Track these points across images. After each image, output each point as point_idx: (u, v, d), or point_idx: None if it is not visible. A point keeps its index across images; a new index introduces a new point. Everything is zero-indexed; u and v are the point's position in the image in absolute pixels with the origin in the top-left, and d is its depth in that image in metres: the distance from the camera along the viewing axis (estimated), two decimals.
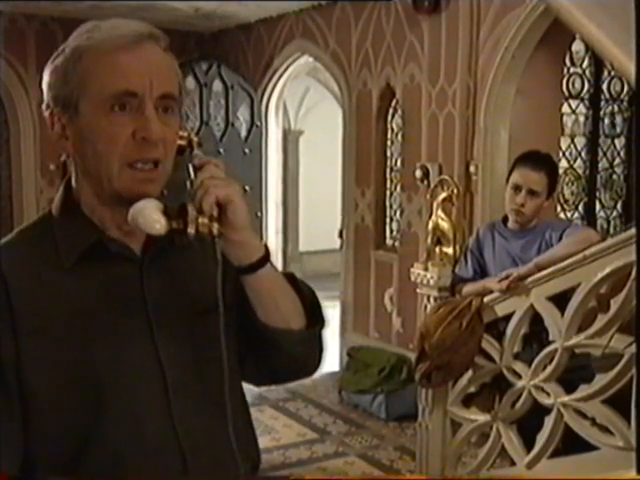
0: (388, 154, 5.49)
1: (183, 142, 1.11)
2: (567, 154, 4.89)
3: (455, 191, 3.47)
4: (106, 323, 1.08)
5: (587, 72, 4.89)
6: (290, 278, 1.22)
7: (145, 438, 1.09)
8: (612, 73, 4.91)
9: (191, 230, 1.04)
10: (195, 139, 1.12)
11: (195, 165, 1.09)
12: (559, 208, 4.79)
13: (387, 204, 5.54)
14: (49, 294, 1.07)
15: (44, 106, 1.10)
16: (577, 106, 4.88)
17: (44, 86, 1.10)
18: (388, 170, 5.50)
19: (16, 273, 1.07)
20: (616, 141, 5.10)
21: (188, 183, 1.08)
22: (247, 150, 6.50)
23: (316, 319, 1.23)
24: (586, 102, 4.92)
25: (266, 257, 1.13)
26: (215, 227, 1.05)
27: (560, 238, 2.91)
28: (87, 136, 1.06)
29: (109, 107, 1.05)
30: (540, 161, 3.03)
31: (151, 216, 1.03)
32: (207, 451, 1.13)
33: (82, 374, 1.06)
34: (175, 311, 1.14)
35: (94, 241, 1.09)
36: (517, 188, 2.98)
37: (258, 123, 6.54)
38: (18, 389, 1.04)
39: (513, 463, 2.91)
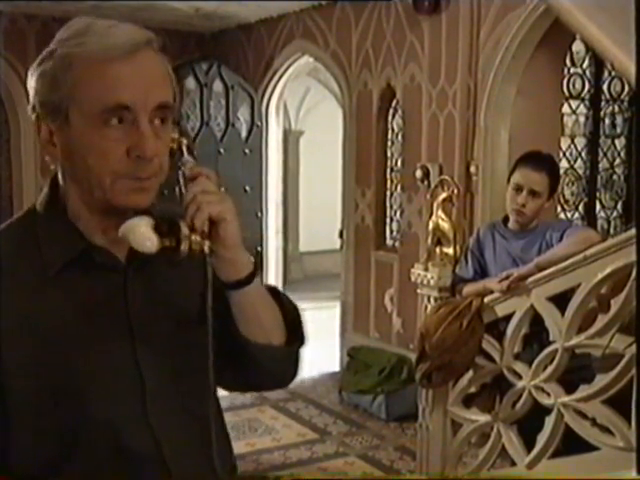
0: (388, 154, 5.49)
1: (173, 145, 1.09)
2: (567, 154, 4.88)
3: (455, 191, 3.47)
4: (87, 332, 1.07)
5: (587, 72, 4.89)
6: (274, 293, 1.22)
7: (124, 446, 1.09)
8: (612, 73, 4.91)
9: (184, 248, 1.03)
10: (184, 142, 1.10)
11: (186, 175, 1.07)
12: (559, 208, 4.79)
13: (387, 204, 5.54)
14: (31, 299, 1.05)
15: (29, 109, 1.06)
16: (577, 106, 4.88)
17: (30, 89, 1.06)
18: (388, 170, 5.51)
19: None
20: (616, 141, 5.10)
21: (177, 191, 1.07)
22: (247, 150, 6.50)
23: (296, 336, 1.23)
24: (586, 102, 4.92)
25: (254, 273, 1.13)
26: (207, 245, 1.04)
27: (560, 238, 2.91)
28: (78, 148, 1.03)
29: (102, 120, 1.01)
30: (542, 161, 3.03)
31: (142, 234, 1.01)
32: (188, 458, 1.13)
33: (62, 382, 1.05)
34: (158, 321, 1.13)
35: (80, 251, 1.08)
36: (518, 188, 2.98)
37: (258, 123, 6.54)
38: None
39: (513, 463, 2.91)
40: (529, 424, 2.84)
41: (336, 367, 5.73)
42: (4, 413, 1.04)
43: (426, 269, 3.30)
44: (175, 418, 1.14)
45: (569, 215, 4.90)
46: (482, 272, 3.12)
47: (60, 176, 1.10)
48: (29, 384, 1.04)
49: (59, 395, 1.05)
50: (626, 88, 4.95)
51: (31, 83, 1.05)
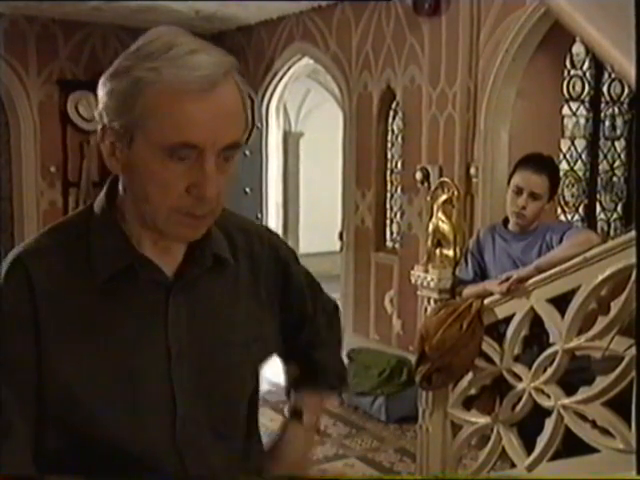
0: (388, 156, 5.49)
1: None
2: (567, 156, 4.89)
3: (455, 193, 3.47)
4: (126, 343, 1.06)
5: (587, 74, 4.89)
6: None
7: (148, 469, 1.07)
8: (612, 75, 4.92)
9: None
10: None
11: None
12: (559, 210, 4.79)
13: (387, 206, 5.54)
14: (75, 306, 1.05)
15: (97, 116, 1.03)
16: (577, 108, 4.88)
17: (100, 100, 1.02)
18: (388, 172, 5.50)
19: (44, 280, 1.04)
20: (616, 143, 5.10)
21: None
22: (248, 152, 6.50)
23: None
24: (586, 104, 4.92)
25: None
26: None
27: (560, 240, 2.91)
28: (138, 173, 1.00)
29: (167, 153, 0.97)
30: (542, 164, 3.03)
31: None
32: None
33: (90, 395, 1.04)
34: (195, 343, 1.10)
35: (127, 263, 1.05)
36: (519, 191, 2.98)
37: (259, 125, 6.54)
38: (36, 394, 1.03)
39: (513, 465, 2.91)
40: (529, 426, 2.84)
41: None
42: (40, 419, 1.04)
43: (426, 271, 3.30)
44: (204, 443, 1.11)
45: (569, 217, 4.90)
46: (482, 274, 3.12)
47: (120, 185, 1.08)
48: (61, 386, 1.03)
49: (86, 403, 1.04)
50: (626, 90, 4.95)
51: (101, 94, 1.02)
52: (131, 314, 1.06)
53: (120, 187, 1.08)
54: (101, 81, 1.02)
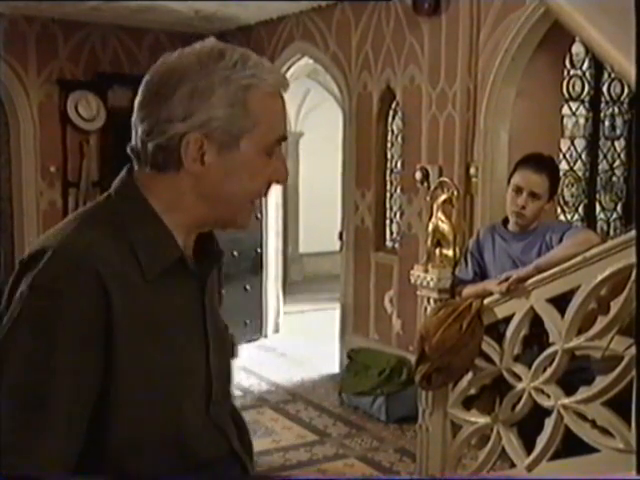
0: (388, 156, 5.49)
1: None
2: (567, 156, 4.88)
3: (455, 193, 3.47)
4: (178, 334, 1.11)
5: (587, 74, 4.89)
6: None
7: (206, 448, 1.16)
8: (612, 75, 4.91)
9: None
10: None
11: None
12: (559, 210, 4.79)
13: (387, 206, 5.54)
14: (135, 302, 1.05)
15: (177, 129, 1.07)
16: (577, 108, 4.88)
17: (184, 110, 1.06)
18: (388, 172, 5.51)
19: (110, 276, 1.03)
20: (616, 143, 5.10)
21: None
22: None
23: None
24: (586, 104, 4.92)
25: None
26: None
27: (560, 240, 2.91)
28: (239, 172, 1.10)
29: (268, 150, 1.11)
30: (542, 164, 3.03)
31: None
32: (242, 450, 1.25)
33: (161, 385, 1.08)
34: (216, 326, 1.21)
35: (176, 258, 1.11)
36: (518, 190, 2.98)
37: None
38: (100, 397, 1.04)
39: (513, 465, 2.91)
40: (529, 426, 2.84)
41: (336, 369, 5.73)
42: (102, 418, 1.05)
43: (426, 271, 3.30)
44: (226, 416, 1.23)
45: (569, 217, 4.90)
46: (482, 274, 3.12)
47: (170, 187, 1.11)
48: (134, 381, 1.05)
49: (156, 399, 1.08)
50: (626, 90, 4.95)
51: (194, 104, 1.06)
52: (179, 304, 1.13)
53: (166, 193, 1.11)
54: (185, 94, 1.06)
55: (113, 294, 1.02)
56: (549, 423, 2.73)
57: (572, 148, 4.91)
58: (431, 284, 3.26)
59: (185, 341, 1.12)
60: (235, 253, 6.48)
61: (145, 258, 1.08)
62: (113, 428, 1.06)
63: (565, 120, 4.83)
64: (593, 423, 2.64)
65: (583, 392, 2.62)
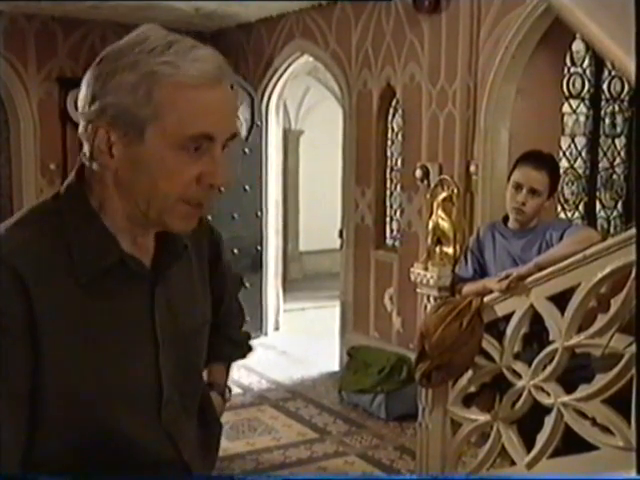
0: (388, 154, 5.49)
1: None
2: (567, 154, 4.88)
3: (455, 191, 3.47)
4: (117, 339, 1.07)
5: (587, 72, 4.89)
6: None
7: (145, 455, 1.11)
8: (612, 73, 4.91)
9: None
10: None
11: None
12: (559, 208, 4.79)
13: (387, 204, 5.53)
14: (65, 302, 1.03)
15: (85, 116, 1.02)
16: (577, 106, 4.88)
17: (94, 96, 1.01)
18: (388, 170, 5.50)
19: (34, 278, 1.00)
20: (616, 141, 5.10)
21: None
22: (247, 150, 6.50)
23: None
24: (587, 102, 4.92)
25: None
26: None
27: (560, 238, 2.91)
28: (147, 166, 1.01)
29: (181, 145, 1.00)
30: (542, 160, 3.03)
31: None
32: (199, 457, 1.20)
33: (92, 388, 1.05)
34: (173, 329, 1.14)
35: (115, 259, 1.06)
36: (518, 187, 2.98)
37: (258, 123, 6.54)
38: (31, 393, 1.02)
39: (513, 463, 2.91)
40: (529, 424, 2.84)
41: (336, 366, 5.73)
42: (33, 416, 1.03)
43: (426, 268, 3.30)
44: (181, 421, 1.17)
45: (569, 214, 4.90)
46: (482, 271, 3.12)
47: (98, 185, 1.07)
48: (62, 385, 1.03)
49: (87, 401, 1.05)
50: (626, 87, 4.95)
51: (96, 91, 1.01)
52: (119, 307, 1.08)
53: (98, 188, 1.07)
54: (92, 79, 1.02)
55: (34, 295, 0.99)
56: (549, 421, 2.72)
57: (572, 146, 4.91)
58: (431, 282, 3.26)
59: (123, 345, 1.07)
60: (235, 251, 6.48)
61: (80, 260, 1.04)
62: (45, 425, 1.04)
63: (565, 118, 4.82)
64: (593, 421, 2.64)
65: (583, 390, 2.62)
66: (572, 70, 4.79)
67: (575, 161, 4.94)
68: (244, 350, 1.58)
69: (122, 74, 0.99)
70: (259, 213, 6.67)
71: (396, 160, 5.40)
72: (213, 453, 1.29)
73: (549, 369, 2.71)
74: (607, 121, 5.05)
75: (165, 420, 1.13)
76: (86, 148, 1.05)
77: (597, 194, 5.06)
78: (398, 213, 5.37)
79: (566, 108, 4.81)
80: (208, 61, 1.01)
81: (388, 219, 5.55)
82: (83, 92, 1.03)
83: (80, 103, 1.04)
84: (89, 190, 1.08)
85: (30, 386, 1.01)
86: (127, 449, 1.09)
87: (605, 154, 5.07)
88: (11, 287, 0.99)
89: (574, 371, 2.72)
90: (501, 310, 2.90)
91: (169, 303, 1.13)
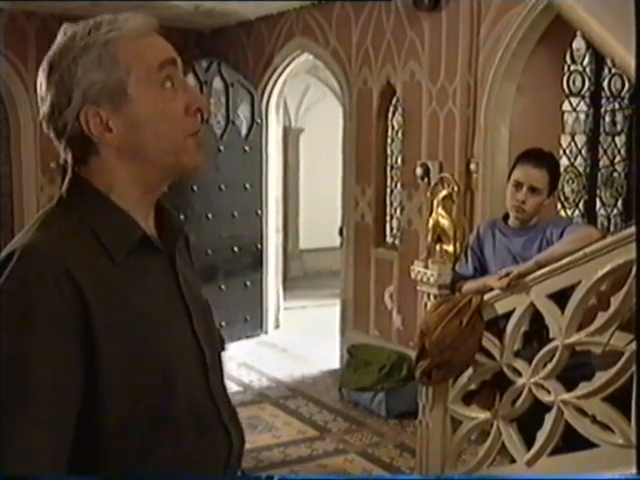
0: (388, 152, 5.49)
1: None
2: (568, 152, 4.88)
3: (455, 189, 3.46)
4: (159, 311, 1.12)
5: (588, 70, 4.88)
6: None
7: (200, 415, 1.16)
8: (613, 71, 4.91)
9: None
10: None
11: None
12: (559, 206, 4.79)
13: (387, 202, 5.54)
14: (108, 288, 1.06)
15: (72, 110, 1.08)
16: (578, 104, 4.87)
17: (69, 86, 1.08)
18: (388, 168, 5.50)
19: (79, 268, 1.03)
20: (617, 139, 5.10)
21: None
22: (247, 148, 6.50)
23: None
24: (587, 100, 4.91)
25: None
26: None
27: (561, 236, 2.91)
28: (144, 119, 1.09)
29: (159, 84, 1.10)
30: (542, 158, 3.03)
31: None
32: (233, 422, 1.27)
33: (150, 364, 1.08)
34: (195, 299, 1.21)
35: (140, 236, 1.12)
36: (518, 185, 2.98)
37: (258, 121, 6.54)
38: (91, 388, 1.03)
39: (513, 460, 2.92)
40: (529, 421, 2.85)
41: (336, 365, 5.73)
42: (99, 405, 1.04)
43: (426, 266, 3.30)
44: (219, 386, 1.24)
45: (569, 213, 4.90)
46: (482, 269, 3.12)
47: (103, 168, 1.12)
48: (124, 370, 1.05)
49: (149, 377, 1.08)
50: (626, 85, 4.95)
51: (66, 84, 1.08)
52: (152, 282, 1.14)
53: (103, 173, 1.12)
54: (56, 82, 1.09)
55: (84, 285, 1.02)
56: (549, 418, 2.73)
57: (572, 144, 4.91)
58: (431, 280, 3.26)
59: (165, 316, 1.13)
60: (235, 249, 6.49)
61: (110, 242, 1.08)
62: (104, 416, 1.05)
63: (565, 116, 4.82)
64: (593, 418, 2.64)
65: (583, 387, 2.62)
66: (572, 68, 4.79)
67: (575, 159, 4.93)
68: None
69: (80, 60, 1.08)
70: (259, 211, 6.67)
71: (396, 158, 5.40)
72: (239, 423, 1.31)
73: (549, 367, 2.71)
74: (607, 119, 5.05)
75: (212, 383, 1.19)
76: (78, 149, 1.12)
77: (597, 192, 5.06)
78: (398, 211, 5.37)
79: (566, 106, 4.81)
80: (140, 18, 1.14)
81: (388, 217, 5.56)
82: (51, 99, 1.10)
83: (51, 110, 1.10)
84: (95, 183, 1.13)
85: (83, 382, 1.02)
86: (188, 418, 1.13)
87: (605, 152, 5.07)
88: (63, 285, 1.01)
89: (574, 369, 2.72)
90: (501, 308, 2.90)
91: (184, 277, 1.19)
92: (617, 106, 5.05)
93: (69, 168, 1.15)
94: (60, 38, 1.11)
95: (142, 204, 1.15)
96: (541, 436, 2.75)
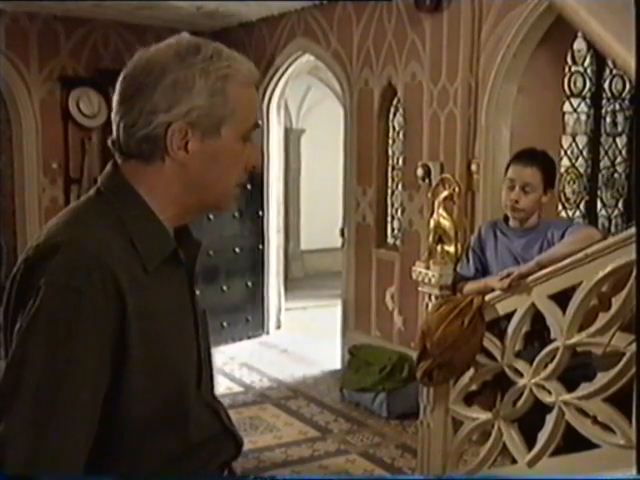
0: (390, 153, 5.49)
1: None
2: (569, 153, 4.89)
3: (456, 189, 3.47)
4: (176, 322, 1.16)
5: (589, 70, 4.89)
6: None
7: (203, 421, 1.21)
8: (614, 72, 4.91)
9: None
10: None
11: None
12: (560, 207, 4.79)
13: (388, 202, 5.54)
14: (141, 294, 1.08)
15: (167, 116, 1.11)
16: (579, 105, 4.88)
17: (165, 100, 1.11)
18: (390, 169, 5.51)
19: (121, 271, 1.06)
20: (617, 140, 5.10)
21: None
22: None
23: None
24: (588, 100, 4.92)
25: None
26: None
27: (562, 237, 2.91)
28: (221, 158, 1.17)
29: (245, 137, 1.18)
30: (533, 157, 3.04)
31: None
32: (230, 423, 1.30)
33: (167, 371, 1.12)
34: (199, 312, 1.26)
35: (172, 248, 1.16)
36: (511, 185, 2.99)
37: (260, 121, 6.53)
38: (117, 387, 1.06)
39: (514, 461, 2.92)
40: (530, 422, 2.85)
41: (337, 365, 5.73)
42: (116, 401, 1.07)
43: (427, 267, 3.30)
44: (211, 394, 1.28)
45: (570, 213, 4.90)
46: (483, 270, 3.13)
47: (158, 176, 1.15)
48: (147, 374, 1.08)
49: (165, 379, 1.12)
50: (627, 86, 4.95)
51: (173, 94, 1.11)
52: (174, 293, 1.18)
53: (157, 188, 1.15)
54: (169, 70, 1.11)
55: (125, 289, 1.05)
56: (550, 419, 2.73)
57: (573, 145, 4.92)
58: (432, 281, 3.26)
59: (180, 326, 1.18)
60: (237, 250, 6.49)
61: (145, 250, 1.12)
62: (121, 418, 1.08)
63: (566, 117, 4.83)
64: (594, 419, 2.64)
65: (584, 388, 2.62)
66: (573, 69, 4.80)
67: (576, 160, 4.94)
68: None
69: (199, 81, 1.12)
70: (260, 212, 6.67)
71: (397, 159, 5.41)
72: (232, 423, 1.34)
73: (550, 367, 2.71)
74: (608, 120, 5.05)
75: (204, 395, 1.23)
76: (147, 148, 1.14)
77: (598, 193, 5.07)
78: (399, 212, 5.37)
79: (567, 107, 4.81)
80: (249, 63, 1.20)
81: (389, 218, 5.56)
82: (152, 94, 1.11)
83: (145, 104, 1.12)
84: (137, 185, 1.16)
85: (108, 383, 1.05)
86: (191, 426, 1.17)
87: (606, 153, 5.07)
88: (109, 287, 1.03)
89: (575, 369, 2.72)
90: (502, 309, 2.90)
91: (193, 289, 1.25)
92: (618, 107, 5.05)
93: (115, 158, 1.18)
94: (179, 42, 1.15)
95: (172, 221, 1.19)
96: (542, 437, 2.75)
